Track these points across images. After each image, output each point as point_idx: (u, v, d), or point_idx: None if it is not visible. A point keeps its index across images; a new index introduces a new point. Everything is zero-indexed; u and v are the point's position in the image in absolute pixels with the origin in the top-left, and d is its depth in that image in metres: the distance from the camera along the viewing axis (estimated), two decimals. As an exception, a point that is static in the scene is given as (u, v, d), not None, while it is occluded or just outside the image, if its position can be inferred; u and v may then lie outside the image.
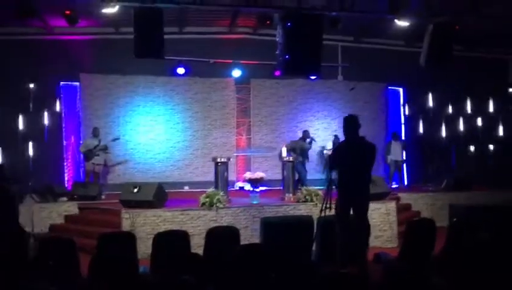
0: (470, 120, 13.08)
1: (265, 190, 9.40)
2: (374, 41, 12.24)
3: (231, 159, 9.35)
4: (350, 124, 5.27)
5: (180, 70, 10.57)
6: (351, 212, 5.19)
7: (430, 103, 12.87)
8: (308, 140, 10.82)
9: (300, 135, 11.20)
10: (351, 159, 5.12)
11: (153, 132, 11.57)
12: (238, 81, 11.97)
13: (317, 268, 3.79)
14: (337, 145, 5.61)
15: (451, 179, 10.85)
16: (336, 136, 11.21)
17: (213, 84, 12.02)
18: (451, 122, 13.01)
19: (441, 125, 12.99)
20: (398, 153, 11.83)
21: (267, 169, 11.36)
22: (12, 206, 5.42)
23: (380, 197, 8.43)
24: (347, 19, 8.59)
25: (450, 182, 10.68)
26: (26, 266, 2.95)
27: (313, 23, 6.86)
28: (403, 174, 12.92)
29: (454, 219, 5.81)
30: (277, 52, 6.99)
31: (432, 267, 4.30)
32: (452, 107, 13.00)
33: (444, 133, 12.97)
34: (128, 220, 7.26)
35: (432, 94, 12.80)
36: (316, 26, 6.87)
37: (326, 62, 9.91)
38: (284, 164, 9.16)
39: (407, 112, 13.35)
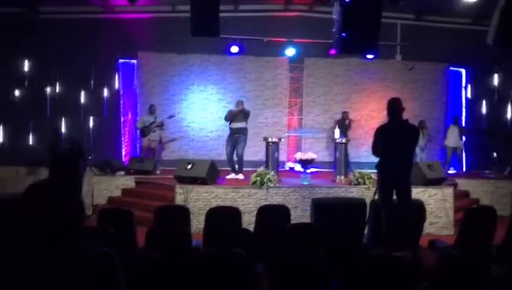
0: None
1: (316, 171, 9.33)
2: (435, 19, 11.64)
3: (282, 139, 9.32)
4: (393, 106, 5.23)
5: (234, 49, 10.60)
6: (394, 195, 5.13)
7: (495, 85, 12.13)
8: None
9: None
10: (393, 141, 5.09)
11: (206, 110, 11.75)
12: (292, 60, 11.85)
13: (368, 250, 3.73)
14: (378, 127, 5.48)
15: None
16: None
17: (266, 63, 11.96)
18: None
19: (506, 109, 12.24)
20: (455, 139, 11.28)
21: (318, 150, 11.26)
22: (78, 180, 5.72)
23: (437, 182, 8.12)
24: (408, -4, 8.21)
25: (514, 170, 10.11)
26: (86, 233, 3.09)
27: (371, 0, 6.59)
28: (462, 160, 12.36)
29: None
30: (333, 30, 6.80)
31: (491, 257, 4.10)
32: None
33: (509, 118, 12.23)
34: (182, 195, 7.46)
35: (497, 76, 12.04)
36: (375, 3, 6.60)
37: (385, 41, 9.59)
38: (336, 145, 9.00)
39: (469, 95, 12.68)
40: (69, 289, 1.59)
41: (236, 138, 8.90)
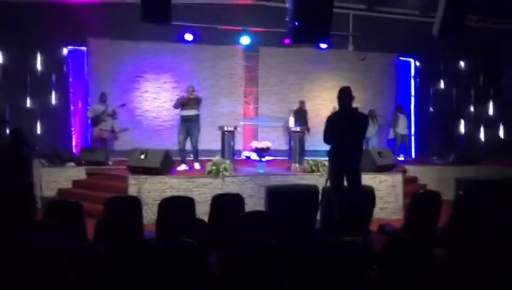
0: (481, 93, 12.86)
1: (272, 160, 9.39)
2: (387, 10, 11.91)
3: (238, 128, 9.32)
4: (343, 94, 5.38)
5: (188, 37, 10.43)
6: (345, 182, 5.27)
7: (441, 75, 12.65)
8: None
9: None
10: (343, 129, 5.23)
11: (160, 99, 11.54)
12: (247, 49, 11.82)
13: (320, 236, 3.80)
14: (329, 115, 5.62)
15: (460, 152, 10.76)
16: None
17: (221, 51, 11.87)
18: (463, 95, 12.81)
19: (451, 98, 12.80)
20: (403, 127, 11.71)
21: (274, 139, 11.34)
22: (27, 168, 5.47)
23: (387, 169, 8.40)
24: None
25: (459, 156, 10.60)
26: (31, 226, 2.97)
27: (324, -11, 6.65)
28: (411, 147, 12.84)
29: (460, 192, 5.77)
30: (286, 19, 6.83)
31: (435, 239, 4.29)
32: (464, 80, 12.77)
33: (454, 106, 12.80)
34: (135, 186, 7.32)
35: (444, 66, 12.56)
36: (327, -7, 6.66)
37: (337, 31, 9.72)
38: (291, 133, 9.10)
39: (417, 83, 13.14)
40: (13, 283, 1.53)
41: (188, 126, 8.72)
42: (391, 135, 11.92)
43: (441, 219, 5.14)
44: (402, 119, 11.72)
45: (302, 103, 11.49)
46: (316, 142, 10.88)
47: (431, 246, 3.44)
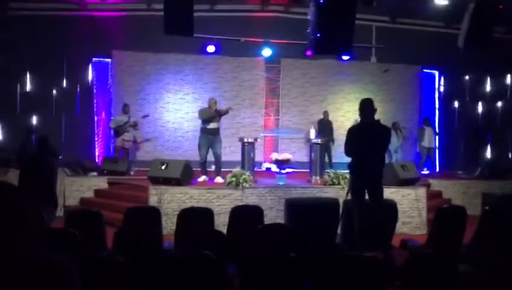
0: (508, 105, 12.55)
1: (292, 172, 9.33)
2: (410, 22, 11.82)
3: (258, 140, 9.29)
4: (365, 106, 5.24)
5: (210, 49, 10.54)
6: (366, 195, 5.16)
7: (467, 87, 12.41)
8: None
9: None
10: (365, 141, 5.11)
11: (182, 110, 11.64)
12: (268, 61, 11.85)
13: (340, 250, 3.72)
14: (351, 127, 5.52)
15: (486, 166, 10.49)
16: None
17: (243, 63, 11.92)
18: (489, 108, 12.53)
19: (477, 112, 12.53)
20: (430, 140, 11.46)
21: (294, 151, 11.28)
22: (52, 177, 5.56)
23: (410, 182, 8.23)
24: (382, -2, 8.30)
25: (485, 170, 10.33)
26: (51, 235, 2.99)
27: (346, 1, 6.64)
28: (435, 161, 12.58)
29: (487, 207, 5.60)
30: (308, 31, 6.83)
31: (460, 255, 4.16)
32: (490, 92, 12.50)
33: (480, 120, 12.52)
34: (155, 196, 7.35)
35: (469, 78, 12.32)
36: (349, 4, 6.65)
37: (360, 43, 9.69)
38: (312, 145, 9.03)
39: (442, 96, 12.92)
40: None
41: (211, 139, 8.57)
42: (419, 148, 11.70)
43: (466, 235, 4.98)
44: (428, 133, 11.45)
45: (326, 113, 11.37)
46: (339, 154, 10.83)
47: (455, 262, 3.32)
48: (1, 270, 1.49)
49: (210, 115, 8.54)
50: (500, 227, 4.66)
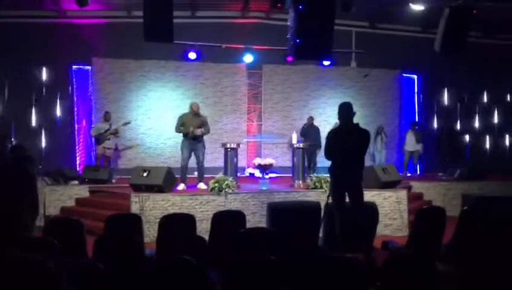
0: (486, 109, 12.84)
1: (276, 177, 9.35)
2: (388, 27, 12.02)
3: (241, 145, 9.30)
4: (344, 110, 5.29)
5: (192, 55, 10.52)
6: (347, 198, 5.19)
7: (445, 91, 12.65)
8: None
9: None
10: (344, 144, 5.14)
11: (163, 117, 11.58)
12: (250, 67, 11.90)
13: (322, 253, 3.75)
14: (330, 130, 5.58)
15: (465, 169, 10.67)
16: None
17: (224, 69, 11.95)
18: (467, 111, 12.79)
19: (456, 114, 12.77)
20: (411, 143, 11.56)
21: (277, 156, 11.34)
22: (32, 185, 5.46)
23: (391, 185, 8.33)
24: (361, 3, 8.41)
25: (464, 172, 10.51)
26: (31, 243, 2.96)
27: (325, 7, 6.71)
28: (417, 164, 12.74)
29: (465, 208, 5.70)
30: (288, 36, 6.88)
31: (439, 255, 4.23)
32: (467, 96, 12.76)
33: (458, 122, 12.76)
34: (138, 203, 7.29)
35: (447, 82, 12.57)
36: (328, 10, 6.72)
37: (340, 48, 9.79)
38: (294, 150, 9.08)
39: (421, 100, 13.13)
40: None
41: (194, 144, 8.40)
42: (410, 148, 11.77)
43: (446, 236, 5.07)
44: (410, 136, 11.56)
45: (310, 118, 11.42)
46: (323, 158, 10.91)
47: (434, 261, 3.37)
48: None
49: (185, 131, 8.38)
50: (478, 227, 4.76)
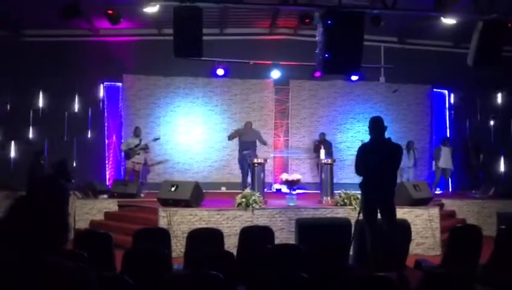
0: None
1: (303, 192, 9.24)
2: (418, 42, 11.85)
3: (268, 161, 9.26)
4: (374, 124, 5.16)
5: (220, 72, 10.62)
6: (379, 215, 5.04)
7: (478, 107, 12.31)
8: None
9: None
10: (375, 159, 5.00)
11: (192, 133, 11.69)
12: (277, 83, 11.91)
13: (352, 271, 3.64)
14: (361, 145, 5.44)
15: (500, 186, 10.30)
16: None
17: (252, 85, 12.01)
18: (501, 127, 12.39)
19: (490, 130, 12.39)
20: (445, 160, 11.23)
21: (304, 172, 11.23)
22: (64, 203, 5.55)
23: (423, 202, 8.10)
24: (390, 18, 8.31)
25: (499, 190, 10.14)
26: (62, 255, 2.96)
27: (354, 22, 6.68)
28: (448, 181, 12.39)
29: (503, 227, 5.46)
30: (316, 51, 6.85)
31: (476, 276, 4.04)
32: (501, 112, 12.38)
33: (493, 138, 12.36)
34: (165, 218, 7.30)
35: (480, 97, 12.24)
36: (357, 25, 6.68)
37: (369, 63, 9.70)
38: (322, 166, 8.96)
39: (453, 115, 12.82)
40: None
41: (244, 155, 9.20)
42: (434, 168, 11.51)
43: (483, 256, 4.85)
44: (444, 152, 11.24)
45: (324, 134, 11.42)
46: (348, 174, 10.73)
47: (472, 282, 3.22)
48: (25, 277, 1.51)
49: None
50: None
